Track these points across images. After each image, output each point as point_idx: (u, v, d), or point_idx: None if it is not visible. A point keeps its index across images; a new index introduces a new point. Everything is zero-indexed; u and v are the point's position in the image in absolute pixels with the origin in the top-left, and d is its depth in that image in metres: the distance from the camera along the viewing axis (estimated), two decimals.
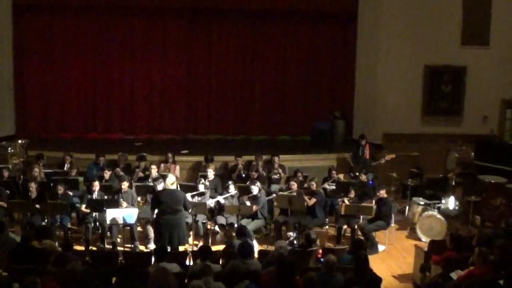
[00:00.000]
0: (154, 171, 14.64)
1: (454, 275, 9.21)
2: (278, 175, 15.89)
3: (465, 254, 9.83)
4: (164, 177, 12.30)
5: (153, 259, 10.04)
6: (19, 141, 17.11)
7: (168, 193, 11.30)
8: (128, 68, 20.48)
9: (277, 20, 20.57)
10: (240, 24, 20.73)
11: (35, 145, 17.55)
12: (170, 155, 16.18)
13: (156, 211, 11.47)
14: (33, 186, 13.38)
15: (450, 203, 14.57)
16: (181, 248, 11.64)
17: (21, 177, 14.81)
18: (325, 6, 19.75)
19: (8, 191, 13.63)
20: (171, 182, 11.39)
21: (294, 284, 8.02)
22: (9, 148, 16.51)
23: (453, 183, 15.68)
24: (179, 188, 12.55)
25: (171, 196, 11.24)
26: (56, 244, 11.09)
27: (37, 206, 12.73)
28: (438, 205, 14.35)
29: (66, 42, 20.09)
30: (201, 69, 20.78)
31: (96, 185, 13.28)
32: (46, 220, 12.69)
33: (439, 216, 13.64)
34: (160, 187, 12.08)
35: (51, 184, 14.01)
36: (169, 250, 10.61)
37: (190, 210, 12.20)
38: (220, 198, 13.63)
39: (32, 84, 20.14)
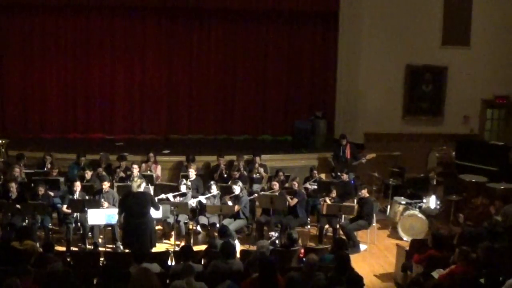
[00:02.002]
0: (135, 171, 14.58)
1: (435, 274, 9.24)
2: (259, 174, 15.88)
3: (446, 253, 9.88)
4: (145, 178, 12.25)
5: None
6: None
7: (134, 197, 11.19)
8: (108, 67, 20.40)
9: (258, 20, 20.61)
10: (221, 24, 20.73)
11: (15, 145, 17.39)
12: (151, 155, 16.12)
13: (123, 215, 11.35)
14: (13, 186, 13.24)
15: (431, 202, 14.65)
16: (162, 247, 11.62)
17: (1, 177, 14.69)
18: (306, 6, 19.81)
19: None
20: (138, 185, 11.29)
21: (276, 284, 8.01)
22: None
23: (434, 183, 15.71)
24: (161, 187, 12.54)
25: (137, 200, 11.11)
26: (37, 244, 11.00)
27: (18, 206, 12.60)
28: (419, 204, 14.42)
29: (46, 42, 19.99)
30: (182, 69, 20.75)
31: (78, 185, 13.19)
32: (26, 221, 12.57)
33: (420, 215, 13.71)
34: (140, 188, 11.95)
35: (32, 185, 13.91)
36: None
37: (166, 206, 12.14)
38: (202, 198, 13.62)
39: (12, 84, 20.03)
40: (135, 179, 11.71)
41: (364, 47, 18.75)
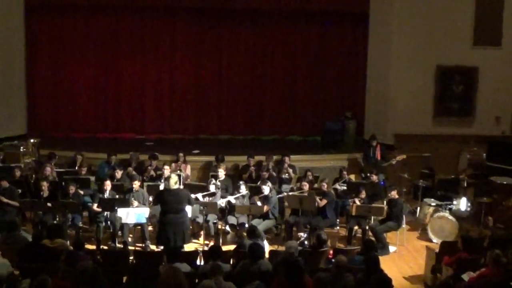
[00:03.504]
0: (166, 171, 14.65)
1: (465, 277, 9.17)
2: (288, 175, 15.87)
3: (477, 255, 9.79)
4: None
5: (164, 259, 10.07)
6: (31, 141, 17.18)
7: (170, 193, 11.32)
8: (138, 68, 20.57)
9: (288, 20, 20.60)
10: (250, 24, 20.78)
11: (46, 144, 17.59)
12: (181, 154, 16.21)
13: (160, 210, 11.50)
14: (44, 185, 13.44)
15: (462, 204, 14.54)
16: (191, 247, 11.68)
17: (33, 176, 14.90)
18: (336, 6, 19.75)
19: (20, 190, 13.69)
20: (174, 181, 11.41)
21: (303, 285, 8.01)
22: (21, 148, 16.57)
23: (465, 184, 15.58)
24: (191, 186, 12.62)
25: (174, 196, 11.25)
26: (68, 243, 11.11)
27: (49, 205, 12.75)
28: (449, 206, 14.33)
29: (77, 42, 20.23)
30: (211, 69, 20.82)
31: (108, 184, 13.30)
32: (57, 219, 12.72)
33: (450, 217, 13.59)
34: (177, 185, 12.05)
35: (63, 183, 14.03)
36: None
37: (199, 206, 12.23)
38: (231, 198, 13.63)
39: (44, 83, 20.31)
40: (172, 175, 11.80)
41: (394, 48, 18.63)
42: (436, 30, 18.25)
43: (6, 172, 14.60)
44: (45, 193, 13.35)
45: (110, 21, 20.29)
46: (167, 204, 11.22)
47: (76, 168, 15.48)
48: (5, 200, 13.11)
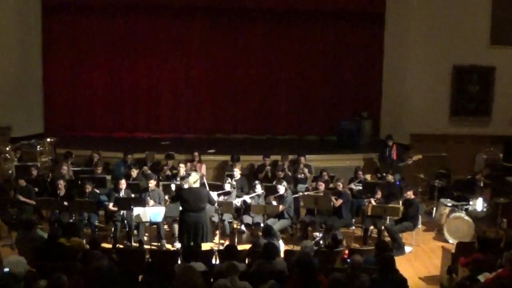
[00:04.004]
0: (182, 170, 14.69)
1: (481, 278, 9.10)
2: (303, 174, 15.86)
3: (493, 256, 9.73)
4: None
5: (180, 258, 10.10)
6: (48, 140, 17.29)
7: (191, 191, 11.36)
8: (154, 67, 20.69)
9: (303, 20, 20.61)
10: (265, 23, 20.79)
11: (63, 143, 17.70)
12: (196, 154, 16.24)
13: (180, 208, 11.54)
14: (61, 183, 13.52)
15: (478, 204, 14.45)
16: (206, 246, 11.70)
17: (50, 175, 15.01)
18: (352, 6, 19.73)
19: (36, 189, 13.82)
20: (194, 180, 11.45)
21: (317, 285, 8.00)
22: (38, 146, 16.70)
23: (481, 185, 15.49)
24: (206, 186, 12.65)
25: (194, 195, 11.30)
26: (84, 241, 11.16)
27: (65, 203, 12.83)
28: (465, 207, 14.24)
29: (93, 42, 20.39)
30: (226, 69, 20.89)
31: (123, 183, 13.33)
32: (73, 218, 12.77)
33: (466, 217, 13.53)
34: (187, 186, 12.12)
35: (79, 182, 14.12)
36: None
37: (216, 205, 12.27)
38: (247, 198, 13.64)
39: (60, 83, 20.46)
40: (193, 174, 11.83)
41: (410, 47, 18.55)
42: (452, 30, 18.15)
43: (23, 171, 14.72)
44: (62, 192, 13.43)
45: (126, 20, 20.40)
46: (187, 203, 11.26)
47: (92, 167, 15.55)
48: (22, 198, 13.22)
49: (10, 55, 18.32)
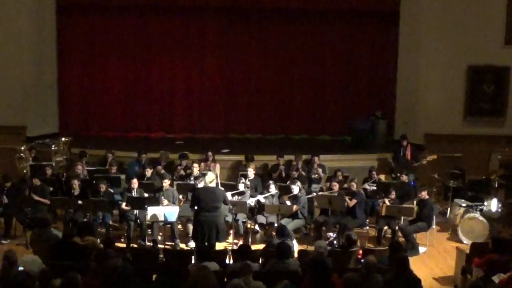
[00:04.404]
0: (196, 170, 14.70)
1: (496, 279, 9.07)
2: (317, 174, 15.85)
3: (508, 257, 9.69)
4: (205, 176, 12.37)
5: (193, 258, 10.12)
6: (63, 139, 17.39)
7: (207, 191, 11.39)
8: (168, 67, 20.71)
9: (317, 19, 20.55)
10: (279, 23, 20.73)
11: (77, 143, 17.78)
12: (210, 153, 16.24)
13: (195, 208, 11.55)
14: (76, 183, 13.59)
15: (493, 205, 14.39)
16: (220, 246, 11.72)
17: (64, 174, 15.06)
18: (366, 5, 19.67)
19: (51, 188, 13.89)
20: (211, 179, 11.49)
21: (330, 285, 7.99)
22: (53, 146, 16.80)
23: (496, 185, 15.44)
24: (220, 185, 12.67)
25: (210, 194, 11.32)
26: (98, 241, 11.21)
27: (80, 202, 12.91)
28: (480, 207, 14.17)
29: (108, 42, 20.44)
30: (241, 69, 20.87)
31: (135, 182, 13.39)
32: (88, 217, 12.84)
33: (481, 218, 13.47)
34: (201, 185, 12.14)
35: (94, 182, 14.18)
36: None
37: (229, 206, 12.28)
38: (260, 197, 13.65)
39: (75, 83, 20.52)
40: (209, 173, 11.92)
41: (424, 47, 18.48)
42: (467, 30, 18.06)
43: (38, 170, 14.81)
44: (76, 191, 13.51)
45: (140, 20, 20.41)
46: (202, 202, 11.27)
47: (107, 166, 15.60)
48: (36, 197, 13.29)
49: (25, 55, 18.41)
